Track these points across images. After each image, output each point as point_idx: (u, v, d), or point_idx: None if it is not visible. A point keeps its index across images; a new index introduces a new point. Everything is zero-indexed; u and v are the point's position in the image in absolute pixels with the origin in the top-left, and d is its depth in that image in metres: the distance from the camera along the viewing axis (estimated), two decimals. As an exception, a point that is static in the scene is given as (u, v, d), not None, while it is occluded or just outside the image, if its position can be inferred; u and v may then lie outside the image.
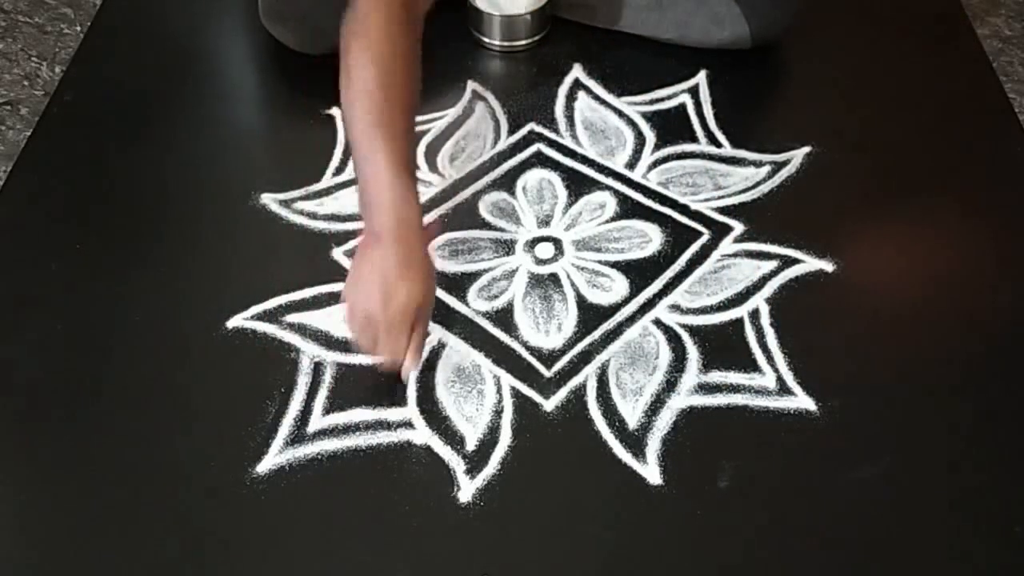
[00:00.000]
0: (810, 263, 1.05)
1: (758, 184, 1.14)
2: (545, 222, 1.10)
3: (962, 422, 0.94)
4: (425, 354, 0.96)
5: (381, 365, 0.93)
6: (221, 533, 0.86)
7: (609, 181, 1.14)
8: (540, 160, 1.17)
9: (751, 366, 0.96)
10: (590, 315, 1.01)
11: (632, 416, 0.93)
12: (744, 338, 0.99)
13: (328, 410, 0.93)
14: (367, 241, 0.94)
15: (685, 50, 1.27)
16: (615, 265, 1.05)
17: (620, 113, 1.22)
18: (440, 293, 1.02)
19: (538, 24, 1.29)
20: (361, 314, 0.92)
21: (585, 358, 0.97)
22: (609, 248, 1.07)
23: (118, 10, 1.37)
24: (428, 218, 1.09)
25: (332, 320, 0.99)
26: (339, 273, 1.03)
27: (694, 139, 1.19)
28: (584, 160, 1.17)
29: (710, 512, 0.87)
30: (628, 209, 1.11)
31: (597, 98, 1.24)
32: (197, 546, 0.85)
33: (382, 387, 0.94)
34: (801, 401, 0.94)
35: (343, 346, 0.97)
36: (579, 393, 0.94)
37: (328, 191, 1.12)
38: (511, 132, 1.20)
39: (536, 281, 1.04)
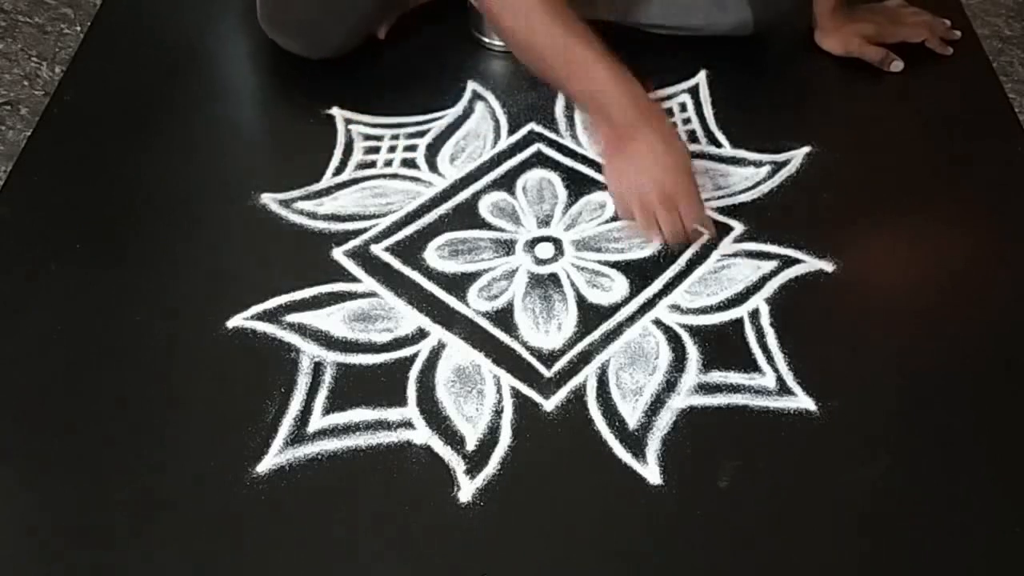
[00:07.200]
0: (810, 263, 1.05)
1: (758, 184, 1.14)
2: (545, 222, 1.10)
3: (962, 422, 0.93)
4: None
5: (682, 237, 1.01)
6: (221, 533, 0.85)
7: (609, 181, 1.14)
8: (540, 160, 1.17)
9: (751, 366, 0.96)
10: (590, 315, 1.01)
11: (632, 416, 0.93)
12: (744, 338, 0.99)
13: (328, 410, 0.93)
14: (617, 142, 1.02)
15: (685, 50, 1.27)
16: (615, 265, 1.05)
17: (620, 113, 1.21)
18: (440, 293, 1.02)
19: (538, 24, 1.29)
20: (656, 198, 0.99)
21: (585, 358, 0.97)
22: (609, 248, 1.07)
23: (118, 10, 1.37)
24: (429, 217, 1.10)
25: (332, 320, 0.99)
26: (339, 273, 1.04)
27: (694, 139, 1.19)
28: (584, 160, 1.16)
29: (710, 512, 0.87)
30: (628, 209, 1.11)
31: (597, 98, 1.23)
32: (197, 546, 0.84)
33: (382, 387, 0.94)
34: (801, 401, 0.94)
35: (343, 346, 0.97)
36: (579, 393, 0.94)
37: (328, 191, 1.12)
38: (511, 132, 1.20)
39: (536, 281, 1.04)
